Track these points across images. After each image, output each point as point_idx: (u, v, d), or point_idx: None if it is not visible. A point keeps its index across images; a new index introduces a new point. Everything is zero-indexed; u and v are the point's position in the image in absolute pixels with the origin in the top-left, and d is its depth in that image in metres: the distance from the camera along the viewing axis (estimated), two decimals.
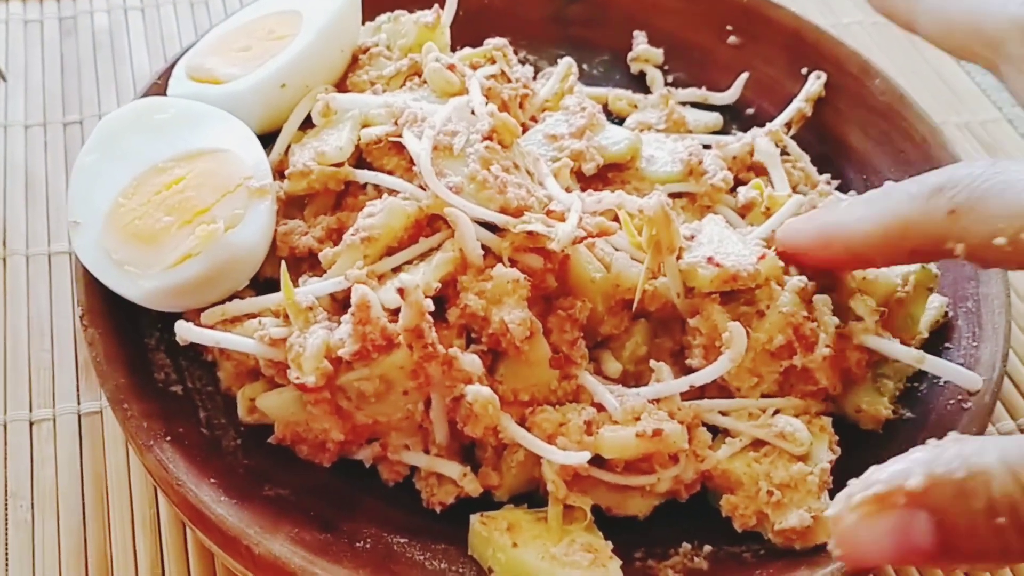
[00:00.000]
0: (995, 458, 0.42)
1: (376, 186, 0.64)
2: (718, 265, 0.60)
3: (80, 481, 0.69)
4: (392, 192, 0.62)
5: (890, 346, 0.63)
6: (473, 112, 0.64)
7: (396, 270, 0.60)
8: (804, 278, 0.62)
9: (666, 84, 0.86)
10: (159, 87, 0.74)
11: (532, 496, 0.61)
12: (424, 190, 0.60)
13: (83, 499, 0.68)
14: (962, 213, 0.51)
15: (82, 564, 0.65)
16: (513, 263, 0.59)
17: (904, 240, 0.55)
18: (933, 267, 0.66)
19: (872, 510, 0.43)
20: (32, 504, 0.67)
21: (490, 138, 0.63)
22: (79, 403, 0.73)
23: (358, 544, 0.57)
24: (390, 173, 0.64)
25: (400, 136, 0.62)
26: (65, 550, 0.65)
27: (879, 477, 0.43)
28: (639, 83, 0.87)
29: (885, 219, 0.56)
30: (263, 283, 0.65)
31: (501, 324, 0.57)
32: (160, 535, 0.66)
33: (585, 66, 0.86)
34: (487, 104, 0.65)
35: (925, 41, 0.64)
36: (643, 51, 0.87)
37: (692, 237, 0.62)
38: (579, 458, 0.56)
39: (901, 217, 0.55)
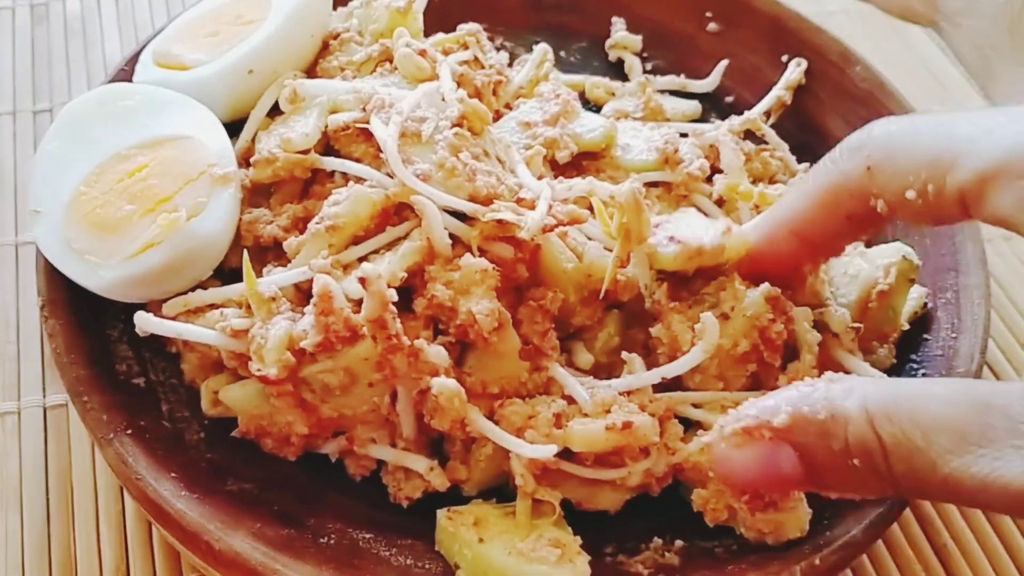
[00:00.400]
0: (856, 403, 0.46)
1: (344, 174, 0.63)
2: (679, 242, 0.59)
3: (44, 476, 0.67)
4: (359, 180, 0.61)
5: (862, 366, 0.62)
6: (443, 99, 0.62)
7: (363, 260, 0.58)
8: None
9: (644, 72, 0.85)
10: (126, 74, 0.73)
11: (501, 490, 0.60)
12: (391, 178, 0.59)
13: (47, 495, 0.66)
14: (877, 169, 0.52)
15: (45, 562, 0.63)
16: (482, 253, 0.58)
17: (837, 207, 0.55)
18: (914, 257, 0.65)
19: (740, 441, 0.48)
20: None
21: (460, 125, 0.61)
22: (44, 396, 0.71)
23: (322, 540, 0.56)
24: (358, 161, 0.62)
25: (368, 123, 0.61)
26: (28, 547, 0.64)
27: (748, 412, 0.48)
28: (617, 70, 0.85)
29: (817, 192, 0.56)
30: (228, 273, 0.63)
31: (469, 315, 0.56)
32: (125, 532, 0.65)
33: (562, 53, 0.85)
34: (458, 90, 0.63)
35: (870, 4, 0.62)
36: (621, 38, 0.86)
37: (658, 226, 0.61)
38: (546, 452, 0.55)
39: (829, 185, 0.55)
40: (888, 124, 0.53)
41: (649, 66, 0.86)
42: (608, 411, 0.57)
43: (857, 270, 0.65)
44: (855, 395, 0.46)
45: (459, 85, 0.66)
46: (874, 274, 0.64)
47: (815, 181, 0.56)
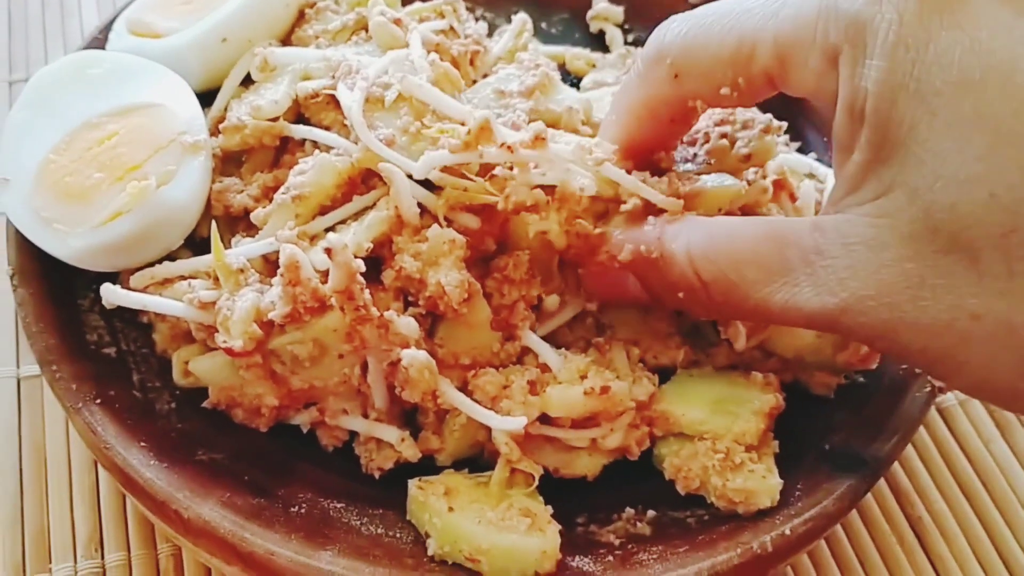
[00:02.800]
0: (681, 247, 0.54)
1: (315, 143, 0.62)
2: None
3: (18, 448, 0.67)
4: (327, 148, 0.60)
5: None
6: (413, 64, 0.61)
7: (330, 230, 0.58)
8: None
9: (626, 43, 0.84)
10: (99, 42, 0.72)
11: (475, 461, 0.60)
12: (358, 145, 0.58)
13: (20, 466, 0.66)
14: (684, 75, 0.55)
15: (18, 533, 0.63)
16: (449, 223, 0.57)
17: (659, 118, 0.58)
18: None
19: (598, 270, 0.59)
20: None
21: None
22: (18, 367, 0.71)
23: (292, 509, 0.56)
24: (327, 129, 0.61)
25: (335, 89, 0.60)
26: (1, 520, 0.63)
27: (609, 243, 0.58)
28: (599, 42, 0.85)
29: (634, 110, 0.59)
30: (200, 243, 0.63)
31: (438, 286, 0.55)
32: (99, 504, 0.65)
33: (543, 24, 0.84)
34: (429, 55, 0.62)
35: None
36: (603, 9, 0.85)
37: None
38: (517, 424, 0.55)
39: (643, 100, 0.58)
40: (680, 26, 0.55)
41: (630, 38, 0.85)
42: (583, 377, 0.57)
43: None
44: (681, 238, 0.54)
45: (438, 55, 0.65)
46: None
47: (628, 100, 0.59)
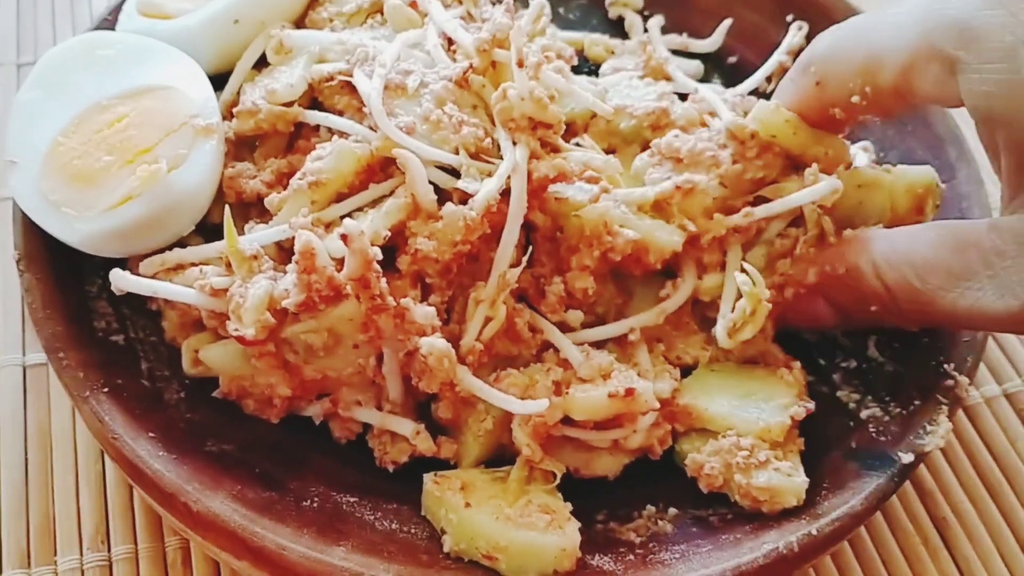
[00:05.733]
0: (866, 259, 0.56)
1: (329, 129, 0.61)
2: None
3: (23, 437, 0.66)
4: (343, 135, 0.58)
5: None
6: (429, 53, 0.60)
7: (346, 218, 0.56)
8: None
9: (645, 30, 0.82)
10: (109, 23, 0.70)
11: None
12: (376, 132, 0.57)
13: (26, 456, 0.65)
14: (824, 83, 0.59)
15: (23, 525, 0.62)
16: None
17: (808, 119, 0.61)
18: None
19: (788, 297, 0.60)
20: None
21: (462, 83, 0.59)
22: (24, 355, 0.70)
23: (304, 503, 0.54)
24: (340, 113, 0.60)
25: (351, 75, 0.59)
26: (6, 510, 0.62)
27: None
28: (618, 28, 0.83)
29: (791, 107, 0.61)
30: (211, 229, 0.62)
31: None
32: (106, 496, 0.63)
33: (561, 9, 0.83)
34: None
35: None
36: None
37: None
38: (539, 406, 0.53)
39: (793, 103, 0.61)
40: (827, 38, 0.59)
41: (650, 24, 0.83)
42: (606, 376, 0.56)
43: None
44: (864, 250, 0.57)
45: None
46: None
47: (786, 100, 0.62)
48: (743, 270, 0.57)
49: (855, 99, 0.57)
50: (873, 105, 0.57)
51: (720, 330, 0.58)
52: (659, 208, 0.60)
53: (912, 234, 0.56)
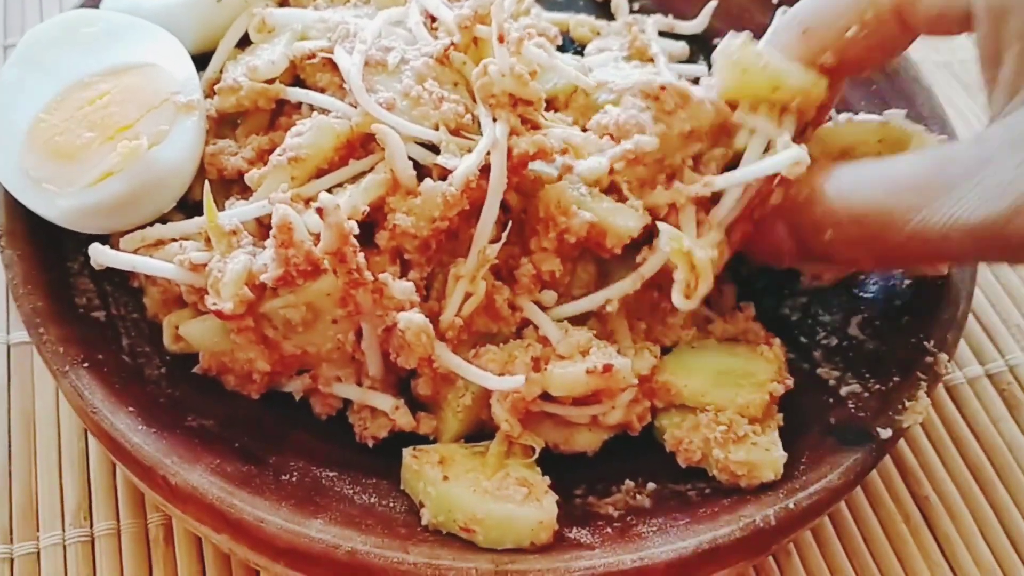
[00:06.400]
0: (832, 184, 0.54)
1: (311, 107, 0.61)
2: None
3: (7, 414, 0.66)
4: (324, 112, 0.58)
5: None
6: (411, 31, 0.60)
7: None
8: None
9: (631, 11, 0.82)
10: (94, 2, 0.70)
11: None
12: (356, 108, 0.57)
13: (9, 433, 0.65)
14: (812, 29, 0.58)
15: (5, 502, 0.62)
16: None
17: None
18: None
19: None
20: None
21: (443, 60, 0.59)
22: (8, 333, 0.70)
23: (283, 477, 0.54)
24: (322, 91, 0.60)
25: (332, 53, 0.59)
26: None
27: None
28: (603, 10, 0.83)
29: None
30: (192, 206, 0.62)
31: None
32: (88, 472, 0.64)
33: None
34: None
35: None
36: None
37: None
38: (515, 382, 0.53)
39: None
40: None
41: (636, 5, 0.83)
42: (585, 353, 0.56)
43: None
44: (832, 176, 0.55)
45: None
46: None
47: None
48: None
49: (850, 32, 0.56)
50: (871, 35, 0.55)
51: (676, 294, 0.57)
52: (613, 189, 0.59)
53: (883, 161, 0.55)
